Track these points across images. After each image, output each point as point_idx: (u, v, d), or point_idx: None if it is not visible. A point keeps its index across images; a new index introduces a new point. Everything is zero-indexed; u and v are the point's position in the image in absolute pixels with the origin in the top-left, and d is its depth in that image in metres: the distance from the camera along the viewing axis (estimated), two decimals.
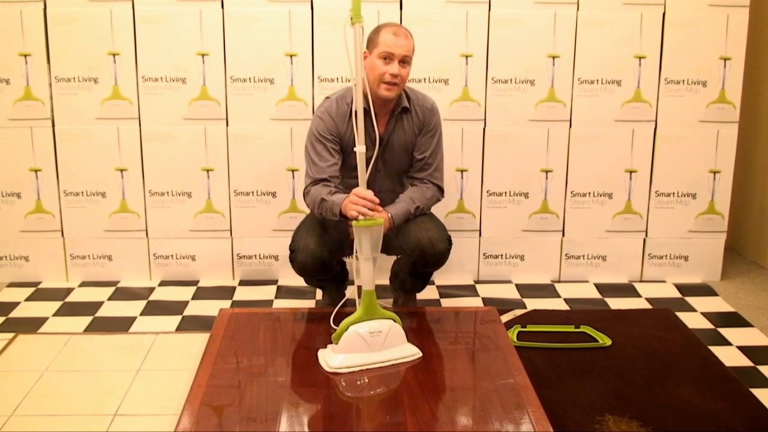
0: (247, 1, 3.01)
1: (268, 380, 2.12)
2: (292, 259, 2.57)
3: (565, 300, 3.10)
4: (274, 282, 3.25)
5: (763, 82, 3.47)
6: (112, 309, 2.96)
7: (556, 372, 2.41)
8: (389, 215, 2.45)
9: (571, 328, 2.74)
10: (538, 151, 3.18)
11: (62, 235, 3.20)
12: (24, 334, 2.69)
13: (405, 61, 2.44)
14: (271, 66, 3.06)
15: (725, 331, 2.80)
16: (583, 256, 3.29)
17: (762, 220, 3.52)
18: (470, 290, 3.19)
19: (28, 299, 3.05)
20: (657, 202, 3.25)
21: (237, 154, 3.13)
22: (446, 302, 3.05)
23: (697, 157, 3.21)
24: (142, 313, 2.92)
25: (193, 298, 3.08)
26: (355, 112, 2.19)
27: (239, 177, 3.16)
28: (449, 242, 2.58)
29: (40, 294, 3.11)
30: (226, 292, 3.15)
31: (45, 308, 2.96)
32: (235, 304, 3.03)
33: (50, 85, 3.06)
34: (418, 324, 2.50)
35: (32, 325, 2.80)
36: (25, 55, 3.03)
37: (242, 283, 3.25)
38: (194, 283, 3.23)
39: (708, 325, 2.87)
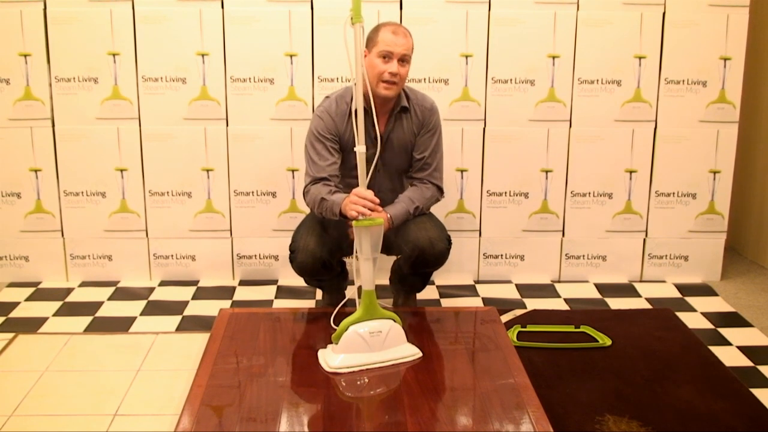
0: (247, 1, 3.01)
1: (268, 380, 2.12)
2: (292, 259, 2.57)
3: (565, 300, 3.10)
4: (274, 282, 3.25)
5: (763, 82, 3.46)
6: (112, 309, 2.96)
7: (556, 372, 2.41)
8: (388, 215, 2.45)
9: (571, 328, 2.74)
10: (538, 151, 3.18)
11: (62, 235, 3.20)
12: (24, 334, 2.69)
13: (404, 59, 2.44)
14: (271, 66, 3.06)
15: (725, 331, 2.80)
16: (583, 256, 3.29)
17: (762, 220, 3.52)
18: (470, 290, 3.19)
19: (28, 299, 3.05)
20: (657, 202, 3.25)
21: (237, 154, 3.13)
22: (446, 302, 3.05)
23: (697, 157, 3.21)
24: (142, 313, 2.92)
25: (193, 298, 3.07)
26: (356, 111, 2.19)
27: (239, 177, 3.16)
28: (449, 242, 2.58)
29: (40, 294, 3.11)
30: (226, 292, 3.15)
31: (45, 308, 2.96)
32: (235, 304, 3.03)
33: (50, 85, 3.06)
34: (418, 324, 2.50)
35: (32, 325, 2.80)
36: (25, 55, 3.03)
37: (242, 283, 3.25)
38: (194, 283, 3.23)
39: (708, 325, 2.87)
